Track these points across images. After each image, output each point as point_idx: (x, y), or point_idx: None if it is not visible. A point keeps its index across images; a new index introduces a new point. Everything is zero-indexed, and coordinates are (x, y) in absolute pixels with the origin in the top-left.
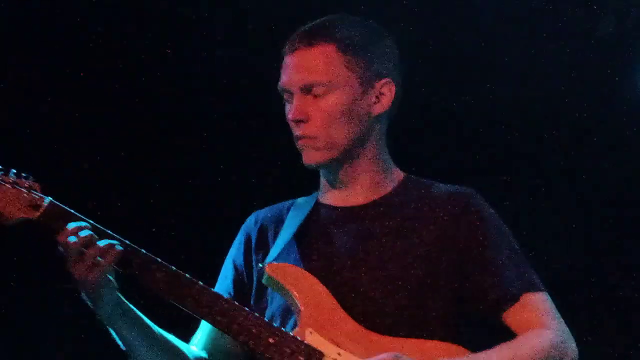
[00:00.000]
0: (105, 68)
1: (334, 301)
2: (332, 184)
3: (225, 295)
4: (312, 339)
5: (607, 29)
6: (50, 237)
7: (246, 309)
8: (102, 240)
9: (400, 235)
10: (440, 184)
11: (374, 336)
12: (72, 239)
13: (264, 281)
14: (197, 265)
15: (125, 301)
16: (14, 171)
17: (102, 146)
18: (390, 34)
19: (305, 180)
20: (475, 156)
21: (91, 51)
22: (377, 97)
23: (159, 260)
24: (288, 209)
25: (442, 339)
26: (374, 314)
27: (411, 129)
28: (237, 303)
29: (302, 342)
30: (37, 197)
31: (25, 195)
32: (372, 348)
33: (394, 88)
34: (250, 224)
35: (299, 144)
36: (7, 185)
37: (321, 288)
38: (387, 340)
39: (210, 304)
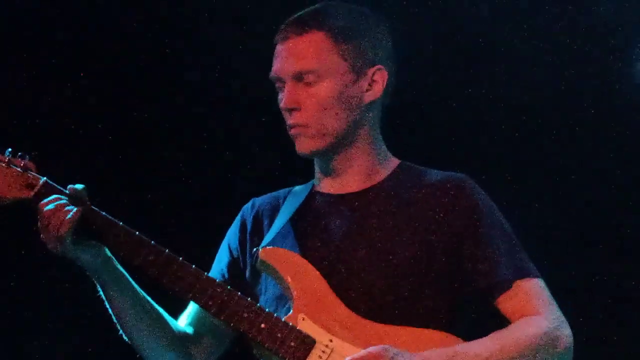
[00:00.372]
0: (101, 62)
1: (328, 287)
2: (326, 172)
3: (220, 279)
4: (305, 325)
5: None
6: None
7: (239, 293)
8: (70, 212)
9: (394, 222)
10: (434, 171)
11: (367, 323)
12: (48, 207)
13: (257, 265)
14: (194, 252)
15: (118, 267)
16: (10, 150)
17: (97, 136)
18: (382, 21)
19: (304, 169)
20: (471, 146)
21: (91, 47)
22: (369, 84)
23: (153, 243)
24: (285, 197)
25: (436, 326)
26: (368, 299)
27: (406, 116)
28: (230, 287)
29: (294, 327)
30: (32, 176)
31: (20, 174)
32: (364, 335)
33: (386, 75)
34: (246, 209)
35: (292, 132)
36: (2, 164)
37: (315, 273)
38: (379, 327)
39: (203, 287)
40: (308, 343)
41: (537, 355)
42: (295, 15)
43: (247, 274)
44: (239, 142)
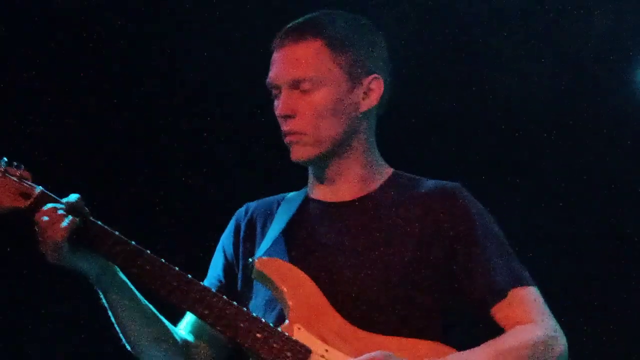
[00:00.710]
0: (98, 64)
1: (323, 297)
2: (321, 180)
3: (216, 283)
4: (300, 335)
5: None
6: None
7: (234, 303)
8: (65, 221)
9: (388, 231)
10: (428, 180)
11: (362, 334)
12: (44, 218)
13: (253, 275)
14: (188, 259)
15: (119, 275)
16: (5, 160)
17: (94, 140)
18: (379, 30)
19: (297, 175)
20: (467, 154)
21: (89, 48)
22: (365, 93)
23: (148, 252)
24: (278, 203)
25: (429, 335)
26: (362, 308)
27: (401, 125)
28: (225, 297)
29: (290, 337)
30: (27, 186)
31: (15, 184)
32: (359, 345)
33: (382, 84)
34: (240, 214)
35: (287, 139)
36: None
37: (310, 284)
38: (375, 338)
39: (199, 297)
40: (304, 353)
41: None
42: (293, 23)
43: (239, 279)
44: (234, 148)
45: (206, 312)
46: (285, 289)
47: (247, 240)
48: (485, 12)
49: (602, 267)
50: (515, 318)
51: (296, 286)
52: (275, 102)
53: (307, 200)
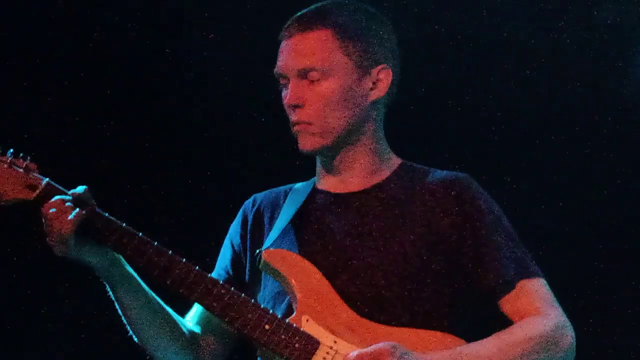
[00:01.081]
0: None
1: (331, 288)
2: (328, 170)
3: (224, 275)
4: (309, 326)
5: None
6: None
7: (242, 294)
8: (72, 214)
9: (395, 221)
10: (437, 170)
11: (370, 325)
12: (51, 210)
13: (260, 267)
14: (196, 251)
15: (127, 268)
16: (12, 151)
17: (98, 134)
18: (388, 20)
19: (304, 165)
20: (474, 145)
21: (92, 47)
22: (373, 83)
23: (156, 244)
24: (286, 194)
25: (437, 326)
26: (370, 299)
27: (409, 116)
28: (233, 289)
29: (298, 329)
30: (34, 177)
31: (22, 175)
32: (368, 337)
33: (391, 74)
34: (248, 206)
35: (295, 129)
36: (4, 165)
37: (318, 275)
38: (383, 329)
39: (206, 289)
40: (312, 345)
41: (540, 355)
42: (301, 13)
43: (247, 270)
44: (241, 138)
45: (214, 304)
46: (293, 281)
47: (255, 231)
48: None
49: (603, 267)
50: (524, 310)
51: (304, 278)
52: (283, 92)
53: (314, 190)
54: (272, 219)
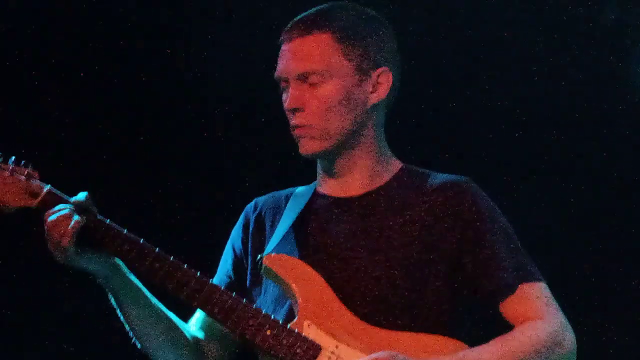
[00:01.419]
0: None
1: (332, 293)
2: (329, 174)
3: (226, 280)
4: (310, 331)
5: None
6: None
7: (244, 300)
8: (72, 221)
9: (396, 225)
10: (438, 174)
11: (372, 329)
12: (52, 217)
13: (261, 272)
14: (197, 256)
15: (128, 274)
16: (13, 158)
17: (99, 137)
18: (388, 23)
19: (306, 169)
20: (475, 148)
21: (92, 47)
22: (374, 86)
23: (157, 250)
24: (287, 198)
25: (438, 330)
26: (372, 303)
27: (410, 119)
28: (235, 294)
29: (299, 334)
30: (35, 184)
31: (23, 182)
32: (369, 342)
33: (391, 77)
34: (249, 210)
35: (295, 133)
36: (6, 172)
37: (319, 280)
38: (385, 333)
39: (208, 295)
40: (314, 350)
41: (542, 359)
42: (301, 16)
43: (248, 274)
44: (242, 142)
45: (215, 309)
46: (294, 286)
47: (256, 235)
48: (491, 9)
49: (603, 269)
50: (524, 314)
51: (305, 282)
52: (284, 96)
53: (316, 195)
54: (274, 223)
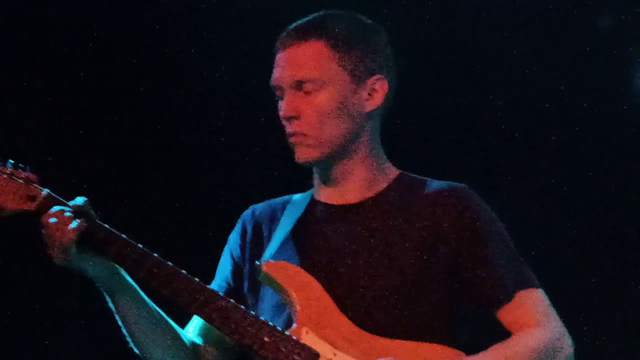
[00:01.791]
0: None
1: (331, 301)
2: (326, 182)
3: (225, 286)
4: (309, 338)
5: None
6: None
7: (242, 307)
8: (73, 223)
9: (394, 232)
10: (434, 181)
11: (370, 337)
12: (52, 220)
13: (260, 278)
14: (194, 261)
15: (127, 278)
16: (12, 162)
17: (99, 142)
18: (383, 30)
19: (302, 176)
20: (472, 155)
21: (91, 49)
22: (369, 93)
23: (156, 255)
24: (284, 206)
25: (436, 338)
26: (370, 311)
27: (406, 125)
28: (232, 301)
29: (298, 341)
30: (34, 188)
31: (22, 186)
32: (367, 349)
33: (386, 84)
34: (247, 216)
35: (291, 140)
36: (4, 176)
37: (317, 287)
38: (382, 341)
39: (206, 301)
40: (312, 357)
41: None
42: (296, 24)
43: (246, 281)
44: (239, 149)
45: (213, 315)
46: (293, 292)
47: (254, 242)
48: (488, 14)
49: (605, 269)
50: (522, 321)
51: (304, 289)
52: (279, 104)
53: (312, 202)
54: (271, 231)
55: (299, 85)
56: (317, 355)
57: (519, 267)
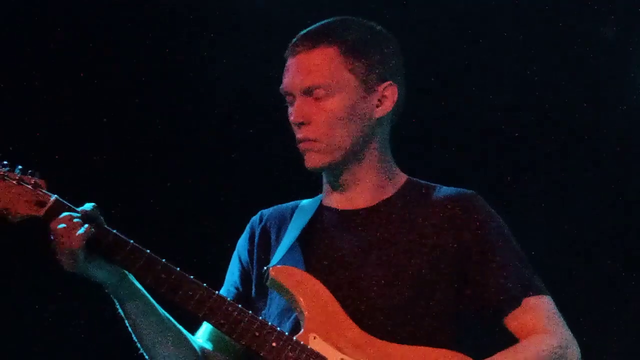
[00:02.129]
0: (110, 67)
1: (338, 306)
2: (335, 187)
3: (234, 291)
4: (316, 344)
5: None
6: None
7: (250, 312)
8: (81, 229)
9: (402, 238)
10: (443, 187)
11: (378, 342)
12: (60, 225)
13: (267, 284)
14: (202, 266)
15: (136, 284)
16: (20, 167)
17: (110, 147)
18: (393, 37)
19: (311, 181)
20: (478, 160)
21: (96, 51)
22: (379, 100)
23: (164, 261)
24: (292, 211)
25: (444, 343)
26: (377, 317)
27: (415, 132)
28: (240, 306)
29: (305, 346)
30: (42, 194)
31: (30, 192)
32: (374, 354)
33: (396, 91)
34: (255, 222)
35: (301, 146)
36: (13, 181)
37: (325, 292)
38: (390, 347)
39: (214, 306)
40: None
41: None
42: (306, 30)
43: (254, 287)
44: (249, 155)
45: (222, 321)
46: (300, 298)
47: (262, 247)
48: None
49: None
50: (529, 327)
51: (311, 294)
52: (289, 109)
53: (321, 207)
54: (279, 236)
55: (309, 91)
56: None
57: (526, 273)
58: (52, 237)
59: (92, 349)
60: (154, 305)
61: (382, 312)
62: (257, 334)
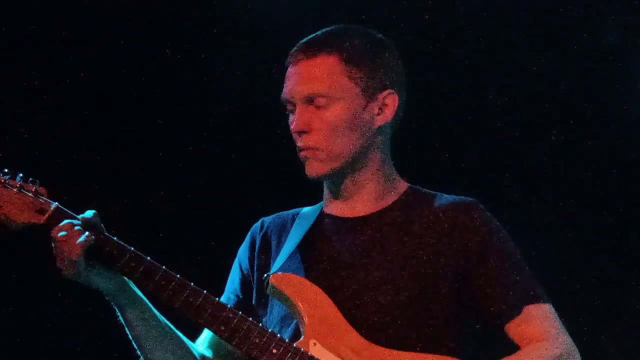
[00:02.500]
0: (110, 71)
1: (338, 313)
2: (336, 195)
3: (234, 298)
4: (316, 350)
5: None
6: None
7: (250, 318)
8: (81, 237)
9: (402, 246)
10: (444, 195)
11: (377, 349)
12: (61, 233)
13: (268, 291)
14: (203, 272)
15: (136, 291)
16: (21, 175)
17: (111, 153)
18: (393, 45)
19: (312, 189)
20: (480, 167)
21: (96, 54)
22: (380, 108)
23: (164, 268)
24: (293, 218)
25: (444, 351)
26: (378, 323)
27: (416, 139)
28: (240, 313)
29: (305, 353)
30: (43, 201)
31: (31, 199)
32: None
33: (397, 99)
34: (256, 229)
35: (302, 155)
36: (14, 189)
37: (325, 299)
38: (390, 353)
39: (214, 313)
40: None
41: None
42: (307, 38)
43: (255, 294)
44: (249, 162)
45: (222, 327)
46: (300, 305)
47: (262, 255)
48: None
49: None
50: (530, 335)
51: (311, 301)
52: (290, 118)
53: (322, 215)
54: (280, 243)
55: (310, 99)
56: None
57: (527, 281)
58: (52, 245)
59: (93, 349)
60: (154, 313)
61: (382, 319)
62: (257, 340)
